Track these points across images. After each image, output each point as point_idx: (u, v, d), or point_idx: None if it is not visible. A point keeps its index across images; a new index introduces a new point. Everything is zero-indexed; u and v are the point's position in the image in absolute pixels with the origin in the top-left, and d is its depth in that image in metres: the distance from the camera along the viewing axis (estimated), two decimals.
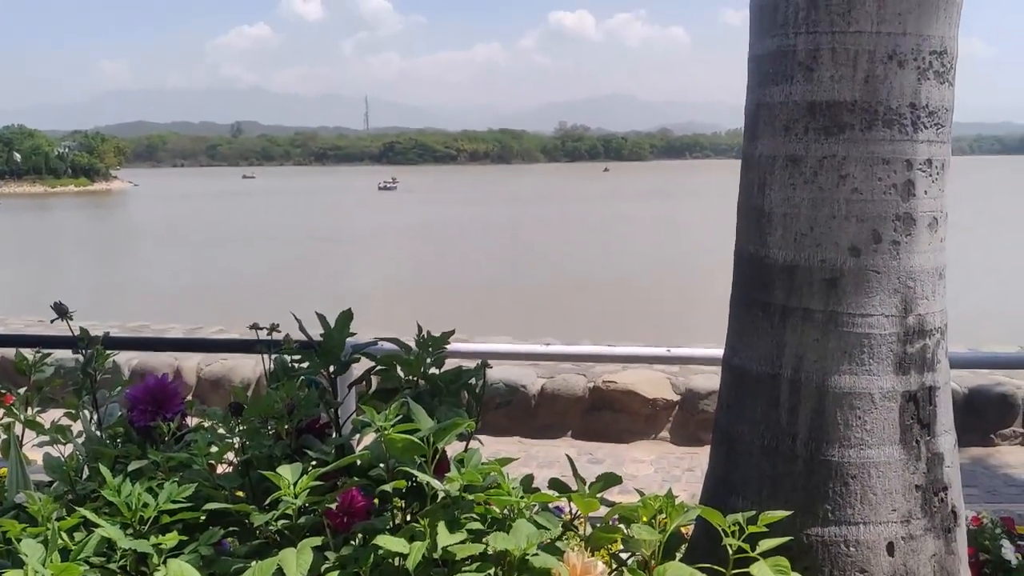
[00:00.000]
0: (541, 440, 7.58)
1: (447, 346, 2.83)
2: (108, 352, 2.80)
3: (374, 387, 2.82)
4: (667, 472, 6.90)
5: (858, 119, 2.42)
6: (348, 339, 2.78)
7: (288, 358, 2.83)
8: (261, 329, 2.99)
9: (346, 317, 2.74)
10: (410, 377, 2.73)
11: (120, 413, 2.69)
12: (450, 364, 2.82)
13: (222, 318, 12.24)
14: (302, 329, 2.83)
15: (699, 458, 6.90)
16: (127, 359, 7.67)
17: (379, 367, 2.75)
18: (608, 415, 7.64)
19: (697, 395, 7.51)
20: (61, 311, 2.79)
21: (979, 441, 7.36)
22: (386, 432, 2.02)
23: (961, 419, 8.01)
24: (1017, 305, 22.89)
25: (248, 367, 7.86)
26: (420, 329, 2.76)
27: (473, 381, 2.71)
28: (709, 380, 7.30)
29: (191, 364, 8.07)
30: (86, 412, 2.73)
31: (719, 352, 2.87)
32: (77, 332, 2.78)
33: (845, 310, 2.46)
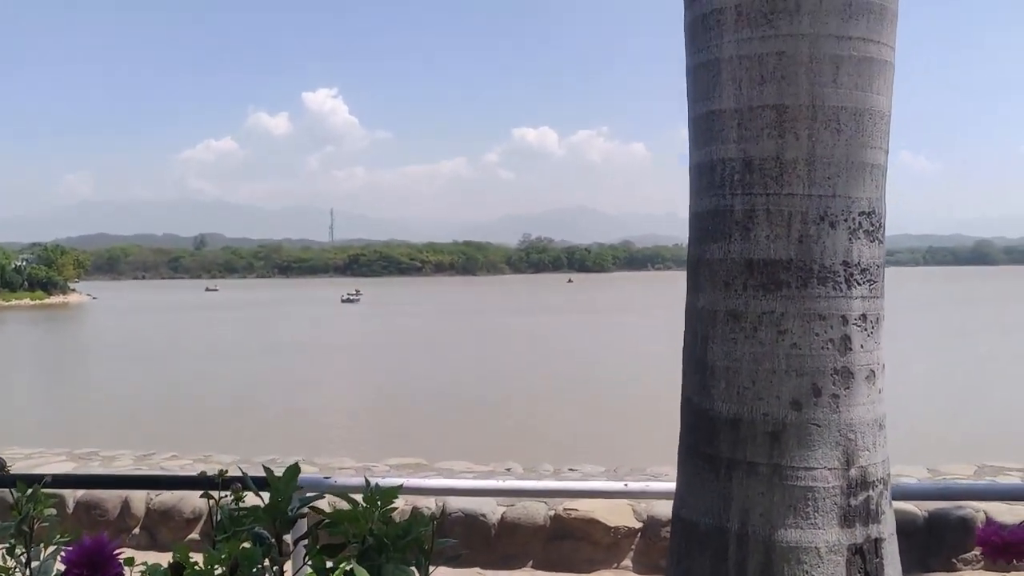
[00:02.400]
0: (501, 570, 7.39)
1: (403, 484, 2.80)
2: (50, 494, 2.72)
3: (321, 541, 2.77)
4: None
5: (794, 277, 2.51)
6: (301, 476, 2.74)
7: (235, 507, 2.79)
8: (210, 479, 2.95)
9: (293, 471, 2.70)
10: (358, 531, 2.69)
11: (55, 574, 2.59)
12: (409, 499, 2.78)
13: (176, 442, 11.97)
14: (249, 486, 2.79)
15: None
16: (73, 490, 7.43)
17: (326, 522, 2.71)
18: (570, 544, 7.51)
19: (659, 522, 7.42)
20: None
21: (941, 566, 7.30)
22: None
23: (923, 543, 7.93)
24: (977, 417, 23.20)
25: (198, 497, 7.64)
26: (368, 483, 2.73)
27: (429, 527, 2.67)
28: (671, 506, 7.22)
29: (140, 494, 7.83)
30: None
31: (674, 486, 2.88)
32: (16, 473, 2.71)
33: (789, 463, 2.49)
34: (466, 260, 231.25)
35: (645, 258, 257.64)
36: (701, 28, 2.67)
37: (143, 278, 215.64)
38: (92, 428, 23.63)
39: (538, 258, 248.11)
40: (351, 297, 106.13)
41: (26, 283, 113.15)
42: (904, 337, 43.66)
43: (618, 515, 7.48)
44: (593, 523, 7.45)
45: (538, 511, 7.62)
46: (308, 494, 3.97)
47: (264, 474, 2.83)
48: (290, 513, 2.79)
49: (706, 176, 2.68)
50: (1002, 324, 55.87)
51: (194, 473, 7.93)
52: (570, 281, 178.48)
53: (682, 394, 2.79)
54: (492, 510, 7.70)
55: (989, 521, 7.01)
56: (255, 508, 2.79)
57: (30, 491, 2.84)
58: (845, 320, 2.53)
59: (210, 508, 3.02)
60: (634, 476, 8.33)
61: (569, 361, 37.81)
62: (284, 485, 2.78)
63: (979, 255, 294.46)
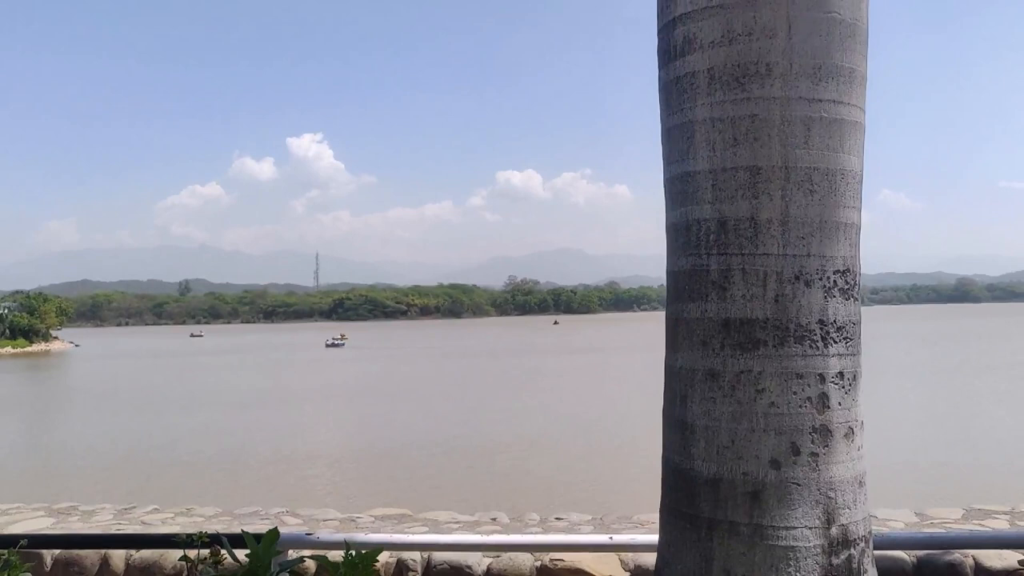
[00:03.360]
0: None
1: (385, 540, 2.79)
2: (27, 554, 2.69)
3: None
4: None
5: (771, 336, 2.53)
6: (282, 533, 2.73)
7: (213, 571, 2.78)
8: (189, 539, 2.95)
9: (272, 536, 2.70)
10: None
11: None
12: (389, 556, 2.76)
13: (158, 494, 11.79)
14: (227, 549, 2.77)
15: None
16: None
17: None
18: None
19: (647, 572, 7.35)
20: None
21: None
22: None
23: None
24: (963, 457, 23.20)
25: (179, 553, 7.50)
26: (347, 546, 2.71)
27: None
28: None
29: (120, 551, 7.69)
30: None
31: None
32: None
33: (769, 523, 2.49)
34: (452, 303, 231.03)
35: (631, 299, 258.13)
36: (675, 90, 2.72)
37: (127, 324, 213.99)
38: (72, 481, 23.26)
39: (524, 300, 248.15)
40: (336, 342, 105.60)
41: (8, 331, 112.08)
42: (891, 376, 43.79)
43: (605, 565, 7.40)
44: (580, 574, 7.37)
45: (524, 562, 7.53)
46: (289, 552, 3.96)
47: (245, 532, 2.82)
48: None
49: (682, 236, 2.71)
50: (986, 363, 56.16)
51: (176, 528, 7.82)
52: (556, 323, 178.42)
53: (663, 453, 2.79)
54: (478, 561, 7.60)
55: (979, 568, 6.98)
56: (234, 571, 2.77)
57: (5, 555, 2.82)
58: (822, 378, 2.54)
59: (188, 570, 3.00)
60: (621, 524, 8.27)
61: (555, 405, 37.64)
62: (263, 550, 2.77)
63: (962, 292, 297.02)
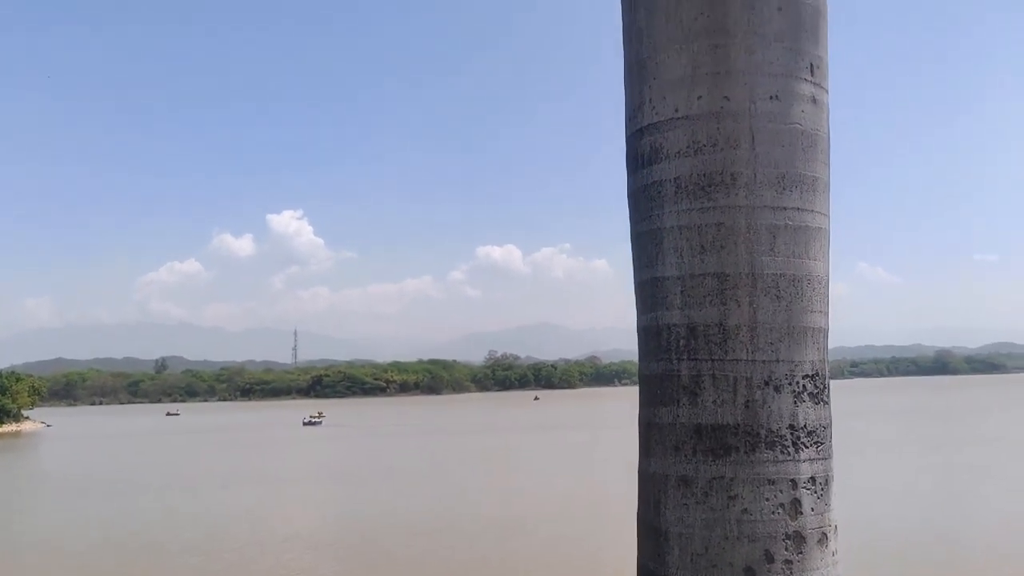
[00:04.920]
0: None
1: None
2: None
3: None
4: None
5: (742, 441, 2.54)
6: None
7: None
8: None
9: None
10: None
11: None
12: None
13: None
14: None
15: None
16: None
17: None
18: None
19: None
20: None
21: None
22: None
23: None
24: (949, 540, 23.06)
25: None
26: None
27: None
28: None
29: None
30: None
31: None
32: None
33: None
34: (431, 379, 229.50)
35: (612, 373, 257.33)
36: (643, 198, 2.78)
37: (101, 403, 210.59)
38: (40, 573, 22.60)
39: (504, 375, 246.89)
40: (313, 420, 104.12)
41: None
42: (873, 453, 43.71)
43: None
44: None
45: None
46: None
47: None
48: None
49: (652, 340, 2.73)
50: (968, 437, 56.26)
51: None
52: (536, 399, 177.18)
53: (637, 559, 2.76)
54: None
55: None
56: None
57: None
58: (794, 484, 2.55)
59: None
60: None
61: (536, 487, 37.17)
62: None
63: (941, 365, 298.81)
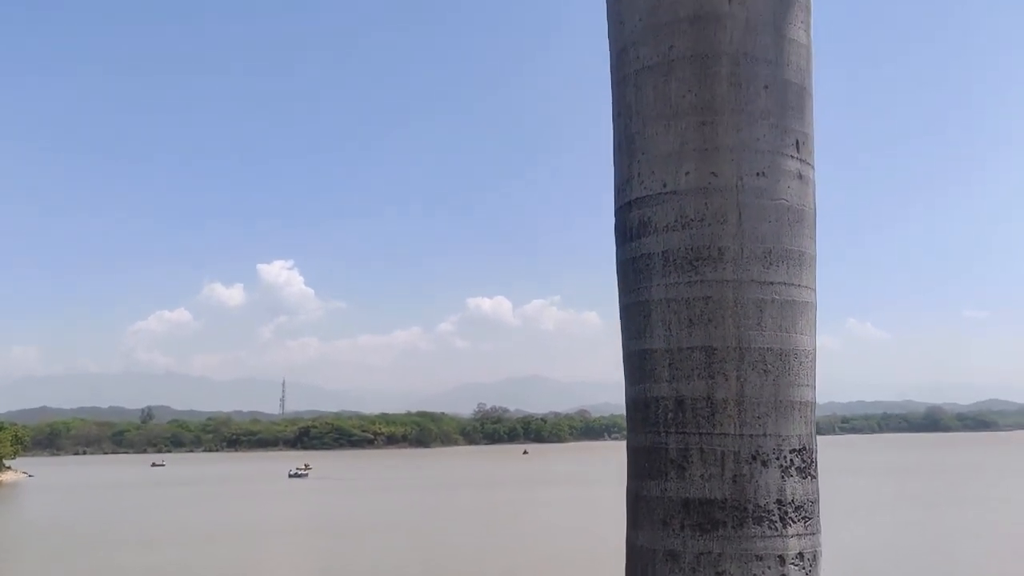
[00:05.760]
0: None
1: None
2: None
3: None
4: None
5: (730, 516, 2.54)
6: None
7: None
8: None
9: None
10: None
11: None
12: None
13: None
14: None
15: None
16: None
17: None
18: None
19: None
20: None
21: None
22: None
23: None
24: None
25: None
26: None
27: None
28: None
29: None
30: None
31: None
32: None
33: None
34: (419, 431, 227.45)
35: (602, 428, 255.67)
36: (632, 270, 2.81)
37: (85, 453, 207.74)
38: None
39: (493, 429, 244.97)
40: (299, 472, 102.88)
41: None
42: (864, 511, 43.37)
43: None
44: None
45: None
46: None
47: None
48: None
49: (640, 412, 2.74)
50: (960, 496, 55.96)
51: None
52: (525, 452, 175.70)
53: None
54: None
55: None
56: None
57: None
58: (782, 560, 2.53)
59: None
60: None
61: (521, 544, 36.70)
62: None
63: (932, 421, 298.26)
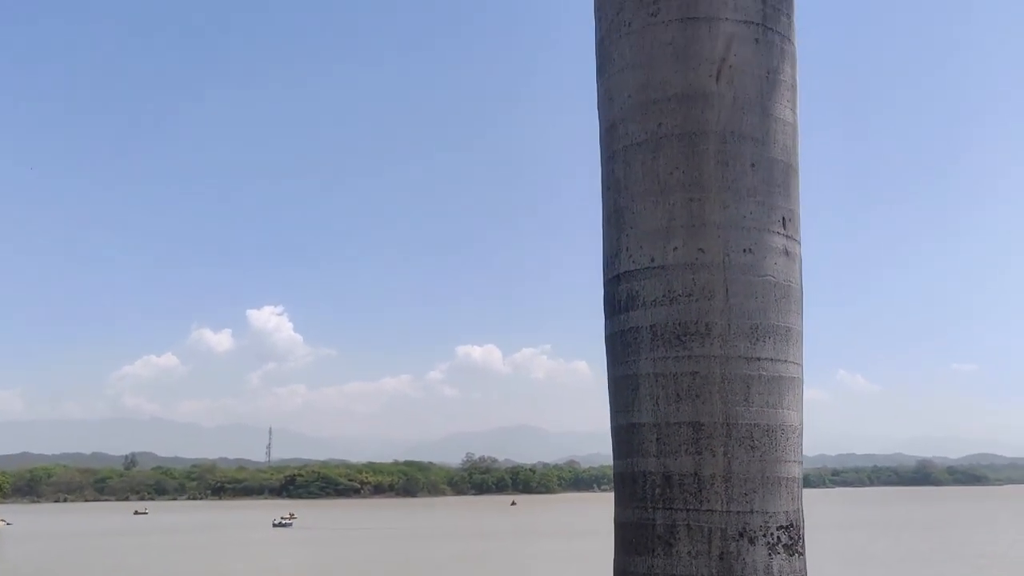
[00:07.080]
0: None
1: None
2: None
3: None
4: None
5: None
6: None
7: None
8: None
9: None
10: None
11: None
12: None
13: None
14: None
15: None
16: None
17: None
18: None
19: None
20: None
21: None
22: None
23: None
24: None
25: None
26: None
27: None
28: None
29: None
30: None
31: None
32: None
33: None
34: (407, 481, 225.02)
35: (591, 479, 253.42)
36: (620, 343, 2.83)
37: (65, 500, 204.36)
38: None
39: (481, 479, 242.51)
40: (283, 521, 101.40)
41: None
42: (857, 566, 42.93)
43: None
44: None
45: None
46: None
47: None
48: None
49: (628, 487, 2.74)
50: (952, 553, 55.52)
51: None
52: (513, 503, 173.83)
53: None
54: None
55: None
56: None
57: None
58: None
59: None
60: None
61: None
62: None
63: (922, 475, 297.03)
